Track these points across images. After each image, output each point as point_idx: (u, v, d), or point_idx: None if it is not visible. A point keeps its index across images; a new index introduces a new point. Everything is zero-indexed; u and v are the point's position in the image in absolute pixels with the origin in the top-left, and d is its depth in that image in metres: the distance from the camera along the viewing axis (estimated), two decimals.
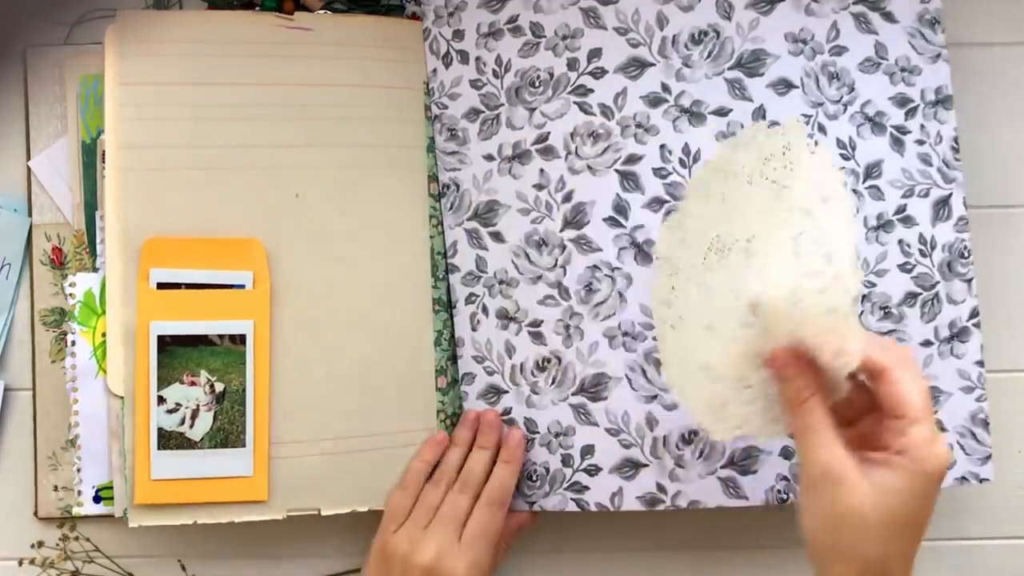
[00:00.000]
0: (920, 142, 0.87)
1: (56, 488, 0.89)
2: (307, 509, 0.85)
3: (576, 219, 0.87)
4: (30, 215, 0.90)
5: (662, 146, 0.87)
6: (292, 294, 0.85)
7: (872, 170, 0.87)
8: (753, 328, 0.73)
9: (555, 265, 0.87)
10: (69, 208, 0.89)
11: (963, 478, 0.86)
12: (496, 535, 0.84)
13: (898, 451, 0.68)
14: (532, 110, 0.88)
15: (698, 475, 0.86)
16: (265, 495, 0.84)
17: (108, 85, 0.84)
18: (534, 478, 0.87)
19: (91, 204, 0.88)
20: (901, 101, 0.87)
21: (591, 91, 0.87)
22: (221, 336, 0.84)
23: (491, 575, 0.84)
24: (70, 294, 0.87)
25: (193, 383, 0.84)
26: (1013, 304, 0.93)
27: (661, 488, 0.86)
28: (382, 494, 0.86)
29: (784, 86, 0.87)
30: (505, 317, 0.88)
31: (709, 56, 0.87)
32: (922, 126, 0.87)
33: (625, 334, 0.86)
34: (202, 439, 0.84)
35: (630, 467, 0.86)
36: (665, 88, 0.87)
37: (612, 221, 0.86)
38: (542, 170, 0.87)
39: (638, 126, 0.87)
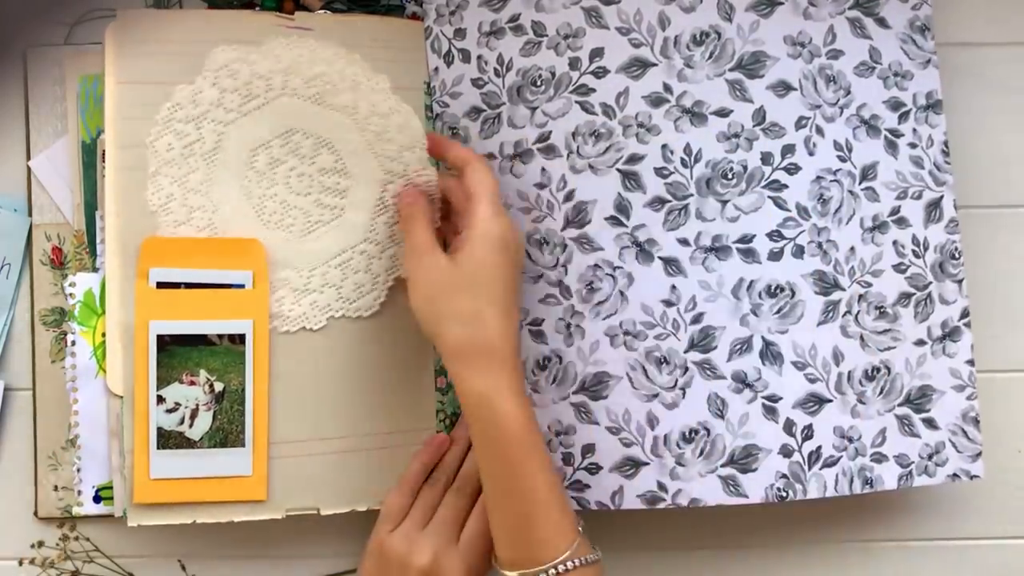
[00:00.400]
0: (912, 145, 0.88)
1: (56, 488, 0.89)
2: (306, 509, 0.85)
3: (577, 218, 0.87)
4: (30, 215, 0.90)
5: (664, 146, 0.87)
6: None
7: (868, 172, 0.87)
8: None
9: (556, 264, 0.87)
10: (69, 208, 0.89)
11: (955, 475, 0.87)
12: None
13: (468, 227, 0.81)
14: (534, 109, 0.88)
15: (698, 473, 0.86)
16: (264, 495, 0.84)
17: (108, 85, 0.84)
18: None
19: (91, 204, 0.88)
20: (894, 105, 0.88)
21: (593, 90, 0.88)
22: (220, 336, 0.84)
23: None
24: (70, 294, 0.87)
25: (192, 383, 0.84)
26: (1003, 304, 0.94)
27: (662, 486, 0.86)
28: (381, 494, 0.86)
29: (783, 88, 0.87)
30: None
31: (710, 57, 0.88)
32: (914, 130, 0.88)
33: (626, 333, 0.86)
34: (201, 439, 0.84)
35: (631, 466, 0.86)
36: (667, 88, 0.87)
37: (613, 220, 0.87)
38: (543, 169, 0.88)
39: (640, 126, 0.87)
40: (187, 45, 0.85)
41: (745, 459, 0.86)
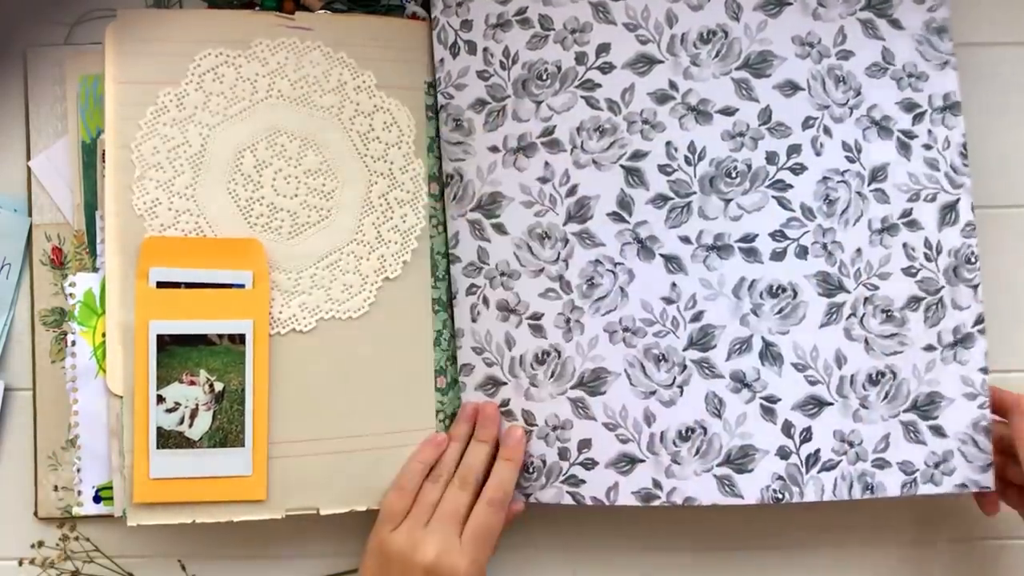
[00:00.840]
0: (927, 147, 0.87)
1: (56, 488, 0.89)
2: (306, 508, 0.85)
3: (579, 213, 0.87)
4: (30, 215, 0.90)
5: (668, 143, 0.86)
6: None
7: (877, 174, 0.86)
8: None
9: (557, 259, 0.87)
10: (69, 208, 0.89)
11: (963, 484, 0.85)
12: (497, 533, 0.84)
13: None
14: (539, 103, 0.87)
15: (694, 472, 0.85)
16: (264, 494, 0.84)
17: (108, 85, 0.84)
18: (531, 470, 0.87)
19: (91, 204, 0.88)
20: (908, 106, 0.87)
21: (598, 86, 0.87)
22: (220, 336, 0.84)
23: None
24: (70, 294, 0.87)
25: (192, 382, 0.83)
26: (1013, 304, 0.93)
27: (656, 484, 0.85)
28: (381, 493, 0.86)
29: (790, 88, 0.87)
30: (505, 309, 0.88)
31: (717, 55, 0.87)
32: (929, 131, 0.87)
33: (625, 329, 0.86)
34: (201, 438, 0.83)
35: (626, 462, 0.86)
36: (672, 85, 0.87)
37: (615, 216, 0.86)
38: (547, 163, 0.87)
39: (644, 122, 0.86)
40: (187, 45, 0.85)
41: (742, 459, 0.85)
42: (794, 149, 0.86)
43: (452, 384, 0.89)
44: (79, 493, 0.87)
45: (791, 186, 0.86)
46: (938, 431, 0.85)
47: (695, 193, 0.86)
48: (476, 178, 0.88)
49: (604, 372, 0.86)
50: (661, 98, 0.87)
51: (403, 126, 0.88)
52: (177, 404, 0.83)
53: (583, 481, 0.86)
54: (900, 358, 0.86)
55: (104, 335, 0.84)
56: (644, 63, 0.87)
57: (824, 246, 0.86)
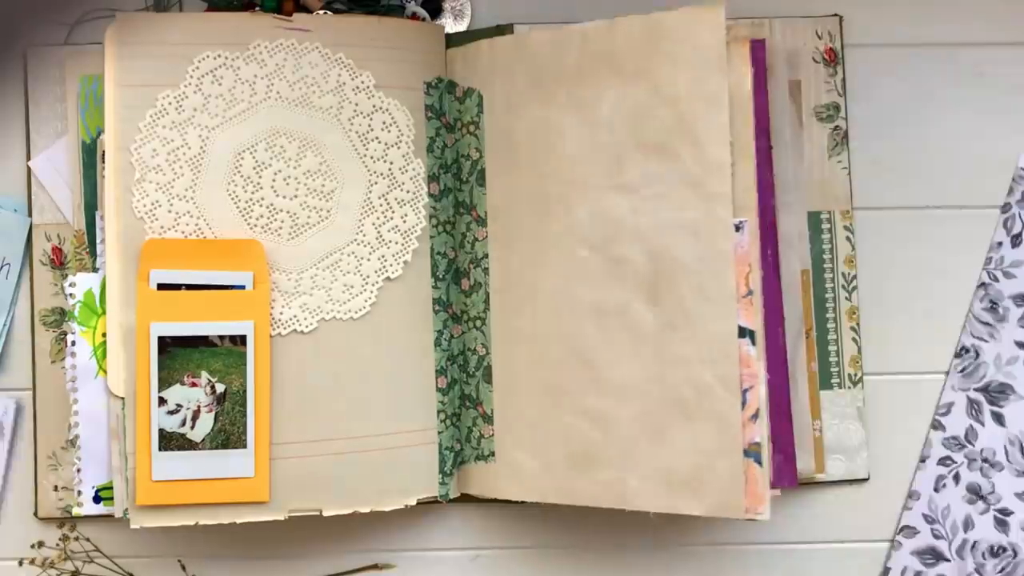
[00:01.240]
0: None
1: (56, 488, 0.89)
2: (309, 510, 0.85)
3: None
4: (30, 215, 0.90)
5: None
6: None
7: None
8: None
9: None
10: (69, 208, 0.89)
11: None
12: None
13: None
14: None
15: None
16: (267, 496, 0.84)
17: (108, 86, 0.84)
18: None
19: (91, 204, 0.88)
20: None
21: None
22: (222, 337, 0.84)
23: None
24: (70, 294, 0.87)
25: (194, 384, 0.84)
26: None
27: None
28: (383, 494, 0.86)
29: None
30: (975, 493, 0.90)
31: None
32: None
33: None
34: (203, 440, 0.84)
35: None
36: None
37: None
38: None
39: None
40: (185, 48, 0.85)
41: None
42: None
43: (452, 384, 0.89)
44: (79, 493, 0.87)
45: None
46: None
47: None
48: (992, 362, 0.90)
49: None
50: None
51: (402, 126, 0.88)
52: (179, 406, 0.83)
53: None
54: None
55: (104, 335, 0.85)
56: None
57: None
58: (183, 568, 0.91)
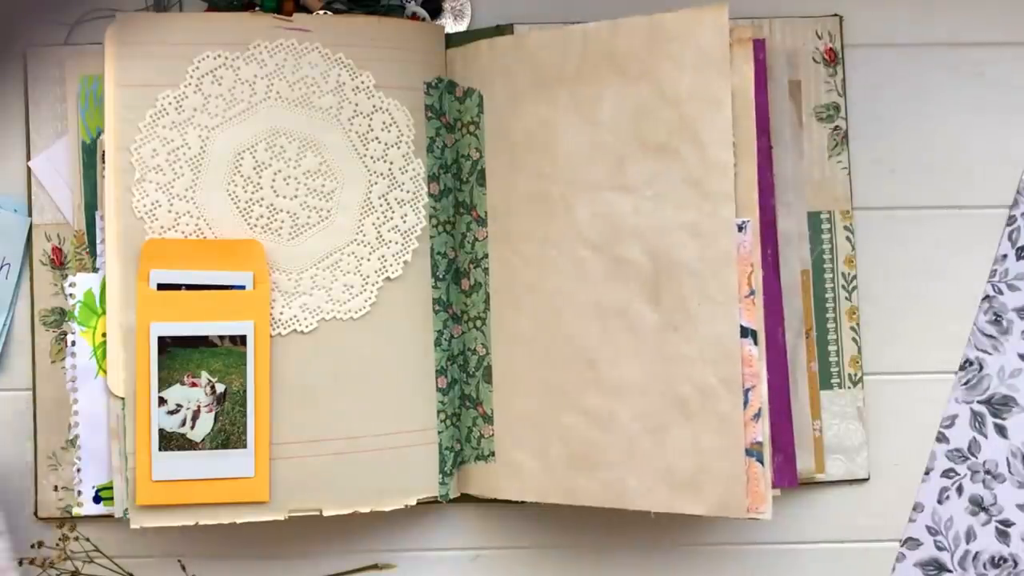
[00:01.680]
0: None
1: (56, 488, 0.89)
2: (309, 510, 0.85)
3: None
4: (30, 215, 0.90)
5: None
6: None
7: None
8: None
9: None
10: (69, 208, 0.89)
11: None
12: None
13: None
14: None
15: None
16: (267, 496, 0.84)
17: (108, 87, 0.84)
18: None
19: (91, 204, 0.88)
20: None
21: None
22: (222, 337, 0.84)
23: None
24: (70, 294, 0.87)
25: (194, 384, 0.83)
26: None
27: None
28: (383, 494, 0.86)
29: None
30: (978, 505, 0.90)
31: None
32: None
33: None
34: (203, 440, 0.84)
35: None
36: None
37: None
38: None
39: None
40: (185, 48, 0.85)
41: None
42: None
43: (452, 384, 0.89)
44: (79, 493, 0.87)
45: None
46: None
47: None
48: (995, 375, 0.90)
49: None
50: None
51: (402, 126, 0.88)
52: (179, 406, 0.83)
53: None
54: None
55: (104, 335, 0.85)
56: None
57: None
58: (183, 568, 0.91)
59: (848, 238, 0.91)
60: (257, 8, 0.88)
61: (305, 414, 0.86)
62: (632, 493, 0.83)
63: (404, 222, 0.88)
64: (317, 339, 0.86)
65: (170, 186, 0.84)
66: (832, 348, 0.91)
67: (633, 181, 0.83)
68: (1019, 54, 0.93)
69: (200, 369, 0.84)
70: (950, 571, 0.90)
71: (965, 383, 0.90)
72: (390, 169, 0.88)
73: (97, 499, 0.88)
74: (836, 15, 0.92)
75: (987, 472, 0.90)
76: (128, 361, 0.83)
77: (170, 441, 0.83)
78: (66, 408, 0.87)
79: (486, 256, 0.89)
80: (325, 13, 0.88)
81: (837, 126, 0.92)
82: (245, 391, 0.84)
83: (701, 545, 0.93)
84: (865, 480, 0.91)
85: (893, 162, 0.93)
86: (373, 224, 0.87)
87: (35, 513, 0.89)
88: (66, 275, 0.89)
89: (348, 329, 0.87)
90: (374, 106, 0.87)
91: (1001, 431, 0.90)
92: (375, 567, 0.92)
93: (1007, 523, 0.90)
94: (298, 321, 0.86)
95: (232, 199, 0.85)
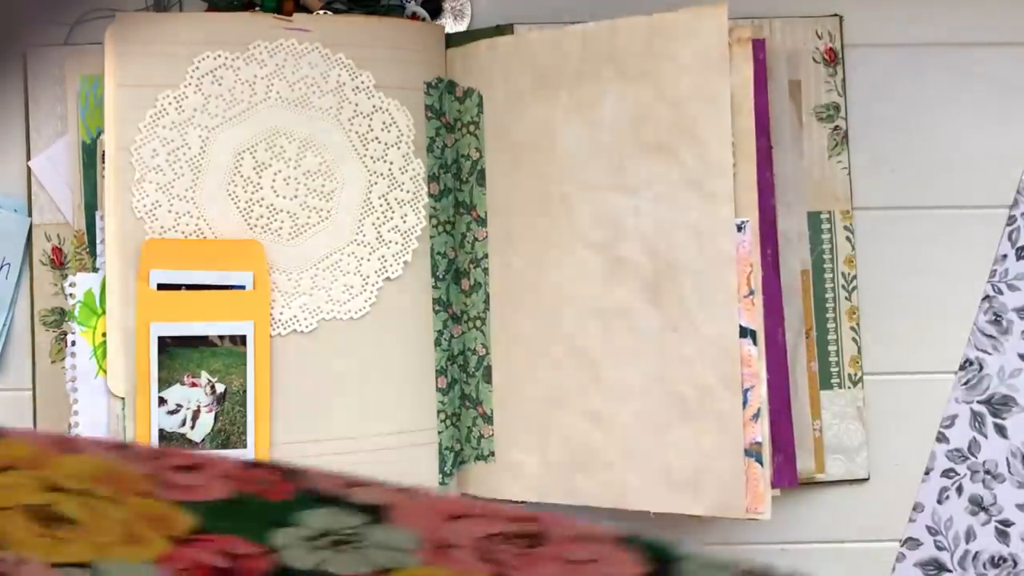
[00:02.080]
0: None
1: None
2: None
3: None
4: (30, 215, 0.90)
5: None
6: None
7: None
8: None
9: None
10: (69, 208, 0.89)
11: None
12: None
13: None
14: None
15: None
16: None
17: (108, 87, 0.84)
18: None
19: (91, 204, 0.88)
20: None
21: None
22: (222, 337, 0.84)
23: None
24: (70, 294, 0.87)
25: (194, 384, 0.84)
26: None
27: None
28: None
29: None
30: (978, 505, 0.90)
31: None
32: None
33: None
34: (203, 440, 0.84)
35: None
36: None
37: None
38: None
39: None
40: (185, 48, 0.85)
41: None
42: None
43: (452, 384, 0.89)
44: None
45: None
46: None
47: None
48: (995, 375, 0.90)
49: None
50: None
51: (402, 126, 0.88)
52: (179, 406, 0.83)
53: None
54: None
55: (104, 335, 0.85)
56: None
57: None
58: None
59: (848, 238, 0.91)
60: (257, 8, 0.88)
61: (305, 414, 0.86)
62: (632, 493, 0.83)
63: (404, 222, 0.88)
64: (317, 339, 0.86)
65: (170, 186, 0.84)
66: (832, 348, 0.91)
67: (633, 181, 0.83)
68: (1019, 54, 0.93)
69: (200, 369, 0.84)
70: (950, 571, 0.90)
71: (965, 383, 0.90)
72: (390, 169, 0.88)
73: None
74: (836, 15, 0.92)
75: (987, 472, 0.90)
76: (128, 361, 0.83)
77: (170, 441, 0.83)
78: (66, 408, 0.87)
79: (486, 256, 0.89)
80: (325, 13, 0.88)
81: (837, 126, 0.92)
82: (245, 391, 0.84)
83: (701, 545, 0.93)
84: (865, 480, 0.91)
85: (893, 162, 0.93)
86: (373, 224, 0.87)
87: None
88: (66, 275, 0.89)
89: (348, 329, 0.87)
90: (374, 106, 0.87)
91: (1001, 431, 0.90)
92: None
93: (1007, 523, 0.90)
94: (298, 321, 0.86)
95: (232, 199, 0.85)
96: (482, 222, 0.89)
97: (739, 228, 0.80)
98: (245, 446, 0.84)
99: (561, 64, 0.86)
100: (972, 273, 0.92)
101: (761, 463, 0.79)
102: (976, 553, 0.90)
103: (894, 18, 0.93)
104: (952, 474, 0.90)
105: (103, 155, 0.84)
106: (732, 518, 0.82)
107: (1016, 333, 0.90)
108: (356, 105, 0.87)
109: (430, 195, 0.89)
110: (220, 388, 0.84)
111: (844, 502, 0.92)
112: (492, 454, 0.88)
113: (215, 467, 0.50)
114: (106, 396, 0.85)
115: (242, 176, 0.85)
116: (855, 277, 0.91)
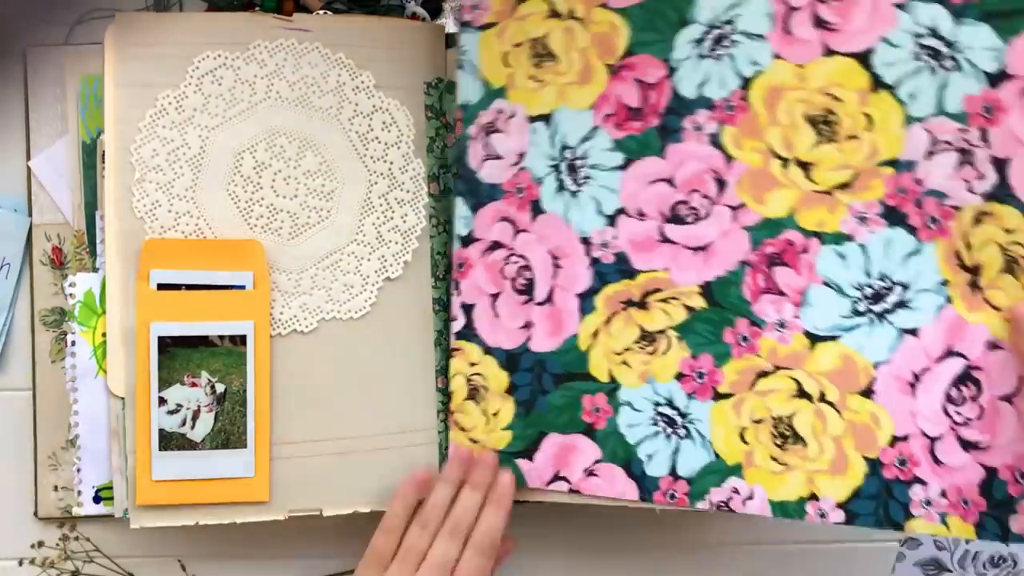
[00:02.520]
0: None
1: (56, 488, 0.89)
2: (308, 510, 0.85)
3: None
4: (30, 215, 0.90)
5: None
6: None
7: None
8: None
9: None
10: (69, 208, 0.89)
11: None
12: None
13: None
14: None
15: None
16: (267, 496, 0.84)
17: (108, 86, 0.84)
18: None
19: (91, 204, 0.88)
20: None
21: None
22: (222, 337, 0.84)
23: None
24: (70, 294, 0.87)
25: (194, 384, 0.83)
26: None
27: None
28: (383, 494, 0.86)
29: None
30: None
31: None
32: None
33: None
34: (203, 440, 0.84)
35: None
36: None
37: None
38: None
39: None
40: (186, 48, 0.85)
41: None
42: None
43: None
44: (79, 493, 0.87)
45: None
46: None
47: None
48: None
49: None
50: None
51: (402, 126, 0.88)
52: (179, 406, 0.83)
53: None
54: None
55: (104, 335, 0.85)
56: None
57: None
58: (183, 568, 0.91)
59: None
60: (257, 8, 0.88)
61: (305, 414, 0.86)
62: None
63: (404, 222, 0.88)
64: (317, 339, 0.86)
65: (170, 186, 0.84)
66: None
67: None
68: None
69: (200, 369, 0.84)
70: (950, 571, 0.90)
71: None
72: (390, 169, 0.88)
73: (97, 499, 0.88)
74: None
75: None
76: (128, 361, 0.83)
77: (170, 441, 0.83)
78: (66, 408, 0.87)
79: None
80: (325, 13, 0.88)
81: None
82: (245, 391, 0.84)
83: (701, 545, 0.93)
84: None
85: None
86: (373, 224, 0.87)
87: (35, 513, 0.90)
88: (66, 275, 0.89)
89: (348, 329, 0.87)
90: (374, 106, 0.87)
91: None
92: None
93: None
94: (298, 321, 0.86)
95: (232, 199, 0.85)
96: None
97: None
98: (245, 446, 0.84)
99: None
100: None
101: None
102: (976, 553, 0.90)
103: None
104: None
105: (103, 155, 0.84)
106: (730, 518, 0.82)
107: None
108: (356, 105, 0.87)
109: (430, 195, 0.89)
110: (220, 388, 0.84)
111: None
112: None
113: None
114: (106, 396, 0.85)
115: (242, 176, 0.85)
116: None
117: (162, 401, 0.83)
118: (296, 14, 0.87)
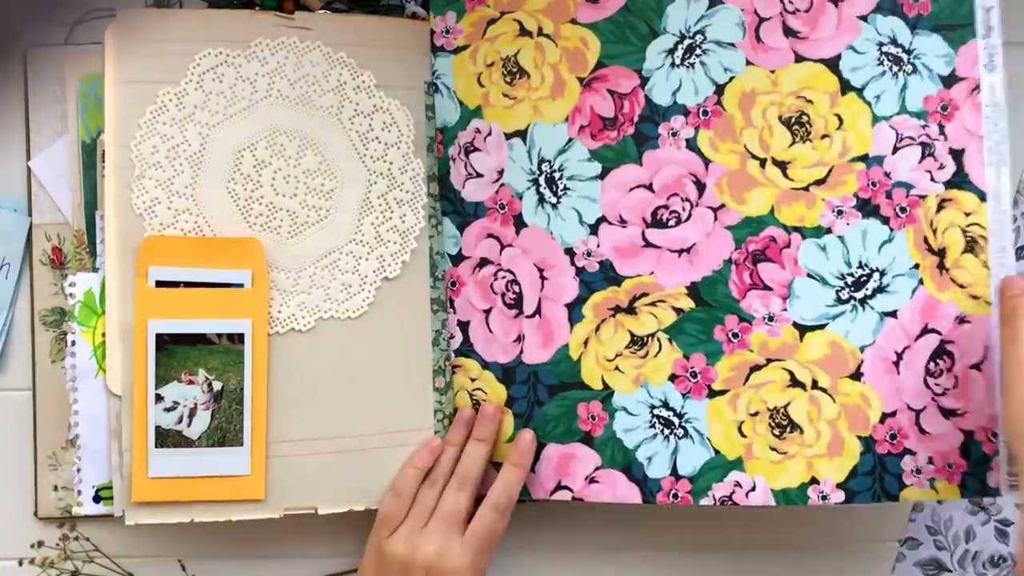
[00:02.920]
0: None
1: (56, 488, 0.89)
2: (304, 508, 0.85)
3: None
4: (30, 215, 0.90)
5: None
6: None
7: None
8: None
9: None
10: (69, 208, 0.90)
11: None
12: (499, 538, 0.84)
13: None
14: None
15: None
16: (262, 494, 0.84)
17: (108, 83, 0.84)
18: None
19: (91, 204, 0.88)
20: None
21: None
22: (219, 335, 0.84)
23: None
24: (70, 294, 0.87)
25: (191, 382, 0.83)
26: None
27: None
28: (379, 493, 0.86)
29: None
30: (977, 504, 0.91)
31: None
32: None
33: None
34: (200, 437, 0.83)
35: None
36: None
37: None
38: None
39: None
40: (187, 45, 0.85)
41: None
42: None
43: (450, 384, 0.89)
44: (79, 493, 0.87)
45: None
46: None
47: None
48: None
49: None
50: None
51: (402, 126, 0.88)
52: (176, 403, 0.83)
53: None
54: None
55: (104, 335, 0.85)
56: None
57: None
58: (183, 568, 0.91)
59: None
60: (258, 6, 0.88)
61: (302, 413, 0.85)
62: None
63: (403, 222, 0.88)
64: (315, 338, 0.86)
65: (170, 183, 0.84)
66: None
67: None
68: (1020, 54, 0.93)
69: (197, 367, 0.84)
70: (950, 571, 0.89)
71: None
72: (390, 169, 0.88)
73: (97, 499, 0.87)
74: None
75: None
76: (126, 358, 0.84)
77: (166, 438, 0.83)
78: (66, 408, 0.87)
79: None
80: (325, 12, 0.88)
81: None
82: (242, 389, 0.84)
83: (701, 545, 0.93)
84: None
85: None
86: (372, 224, 0.87)
87: (35, 513, 0.90)
88: (66, 275, 0.89)
89: (346, 328, 0.87)
90: (375, 106, 0.88)
91: None
92: None
93: (1006, 523, 0.90)
94: (296, 320, 0.86)
95: (232, 197, 0.85)
96: None
97: None
98: (241, 444, 0.84)
99: None
100: None
101: None
102: (976, 553, 0.89)
103: None
104: None
105: (103, 154, 0.84)
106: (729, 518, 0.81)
107: None
108: (357, 104, 0.87)
109: (429, 195, 0.89)
110: (217, 386, 0.84)
111: None
112: None
113: None
114: (106, 396, 0.85)
115: (242, 174, 0.85)
116: None
117: (159, 398, 0.83)
118: (297, 12, 0.87)
